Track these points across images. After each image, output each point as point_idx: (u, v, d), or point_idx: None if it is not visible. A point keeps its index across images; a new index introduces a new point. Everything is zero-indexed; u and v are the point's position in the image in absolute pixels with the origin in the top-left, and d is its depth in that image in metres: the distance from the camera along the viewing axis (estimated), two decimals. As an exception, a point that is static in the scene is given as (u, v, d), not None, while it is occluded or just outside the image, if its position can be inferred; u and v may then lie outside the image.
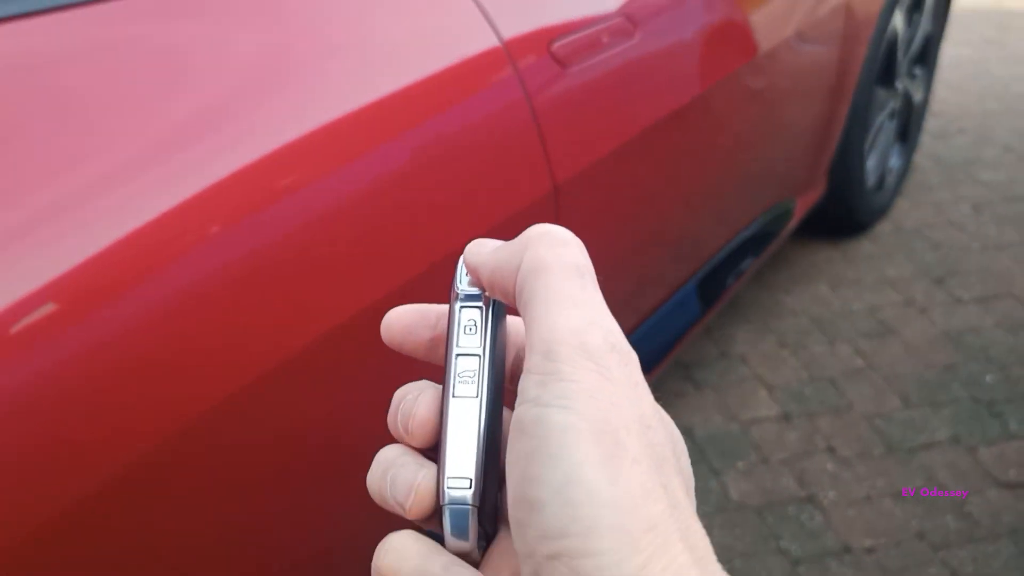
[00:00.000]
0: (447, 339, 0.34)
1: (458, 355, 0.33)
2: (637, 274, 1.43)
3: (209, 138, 0.74)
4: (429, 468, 0.32)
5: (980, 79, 3.71)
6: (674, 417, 0.32)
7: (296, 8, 0.87)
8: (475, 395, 0.32)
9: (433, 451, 0.33)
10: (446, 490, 0.31)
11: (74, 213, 0.65)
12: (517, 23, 1.00)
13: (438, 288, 0.90)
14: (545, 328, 0.29)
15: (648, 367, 1.51)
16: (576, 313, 0.29)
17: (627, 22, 1.15)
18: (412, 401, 0.33)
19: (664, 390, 1.90)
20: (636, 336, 1.46)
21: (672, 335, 1.59)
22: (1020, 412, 1.83)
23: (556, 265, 0.30)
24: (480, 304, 0.34)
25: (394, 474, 0.32)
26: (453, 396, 0.32)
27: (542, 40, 1.03)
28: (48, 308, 0.62)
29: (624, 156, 1.17)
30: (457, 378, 0.33)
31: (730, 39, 1.47)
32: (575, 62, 1.06)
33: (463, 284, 0.35)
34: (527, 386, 0.28)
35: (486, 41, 0.97)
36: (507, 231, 0.98)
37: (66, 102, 0.69)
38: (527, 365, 0.29)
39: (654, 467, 0.27)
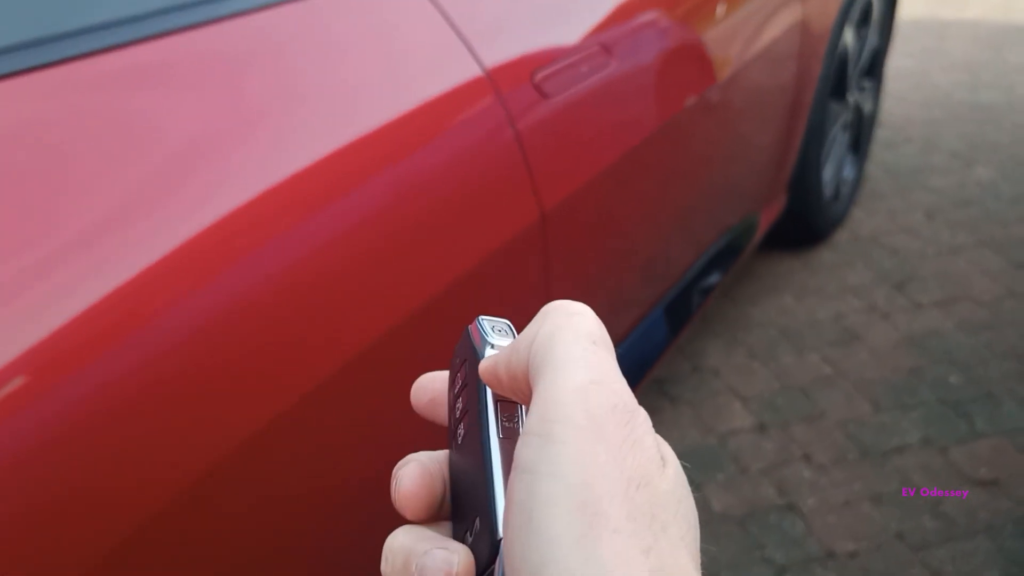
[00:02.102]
0: (470, 391, 0.34)
1: (499, 399, 0.33)
2: (615, 296, 1.45)
3: (187, 187, 0.74)
4: (454, 548, 0.31)
5: (923, 88, 3.83)
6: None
7: (278, 43, 0.87)
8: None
9: (453, 518, 0.33)
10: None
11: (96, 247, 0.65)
12: (500, 55, 1.02)
13: (433, 328, 0.90)
14: (546, 388, 0.29)
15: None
16: (580, 374, 0.29)
17: (603, 50, 1.17)
18: (396, 476, 0.34)
19: (641, 407, 1.91)
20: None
21: (649, 355, 1.61)
22: (986, 411, 1.88)
23: (567, 332, 0.30)
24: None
25: (421, 564, 0.31)
26: (501, 438, 0.32)
27: (525, 71, 1.04)
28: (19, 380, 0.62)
29: (605, 182, 1.19)
30: (503, 420, 0.33)
31: (699, 62, 1.50)
32: (557, 91, 1.08)
33: (492, 334, 0.35)
34: (523, 449, 0.28)
35: (470, 73, 0.98)
36: (498, 262, 0.99)
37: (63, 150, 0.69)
38: (526, 427, 0.29)
39: (641, 529, 0.26)
